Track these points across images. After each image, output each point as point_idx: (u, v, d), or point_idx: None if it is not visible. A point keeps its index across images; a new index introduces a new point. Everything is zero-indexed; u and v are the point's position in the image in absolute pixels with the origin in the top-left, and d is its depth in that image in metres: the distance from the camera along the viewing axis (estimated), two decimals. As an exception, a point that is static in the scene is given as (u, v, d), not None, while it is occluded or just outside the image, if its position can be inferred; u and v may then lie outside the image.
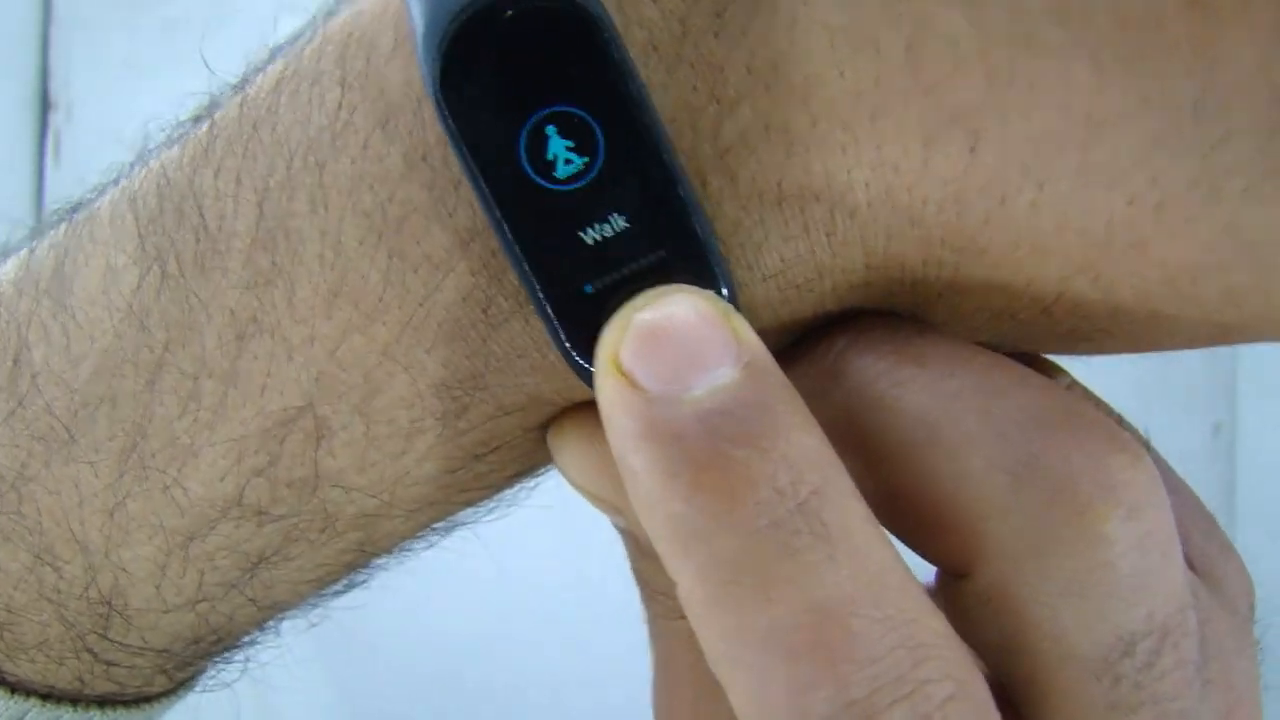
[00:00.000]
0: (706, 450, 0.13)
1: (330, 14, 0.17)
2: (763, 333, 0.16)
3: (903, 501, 0.16)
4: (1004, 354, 0.17)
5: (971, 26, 0.14)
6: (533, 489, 0.20)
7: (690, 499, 0.13)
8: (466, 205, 0.15)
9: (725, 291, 0.15)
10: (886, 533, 0.14)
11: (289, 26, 0.18)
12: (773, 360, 0.14)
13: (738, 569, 0.13)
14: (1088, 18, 0.13)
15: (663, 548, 0.14)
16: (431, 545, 0.20)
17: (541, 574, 0.73)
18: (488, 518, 0.20)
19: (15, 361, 0.18)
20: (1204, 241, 0.14)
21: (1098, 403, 0.17)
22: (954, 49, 0.14)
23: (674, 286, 0.14)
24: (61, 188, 0.93)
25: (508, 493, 0.20)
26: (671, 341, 0.14)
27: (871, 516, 0.14)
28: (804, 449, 0.13)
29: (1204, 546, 0.17)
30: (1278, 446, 0.77)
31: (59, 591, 0.18)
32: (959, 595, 0.16)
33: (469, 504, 0.19)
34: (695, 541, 0.13)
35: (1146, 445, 0.18)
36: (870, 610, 0.13)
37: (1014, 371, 0.16)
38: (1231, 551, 0.18)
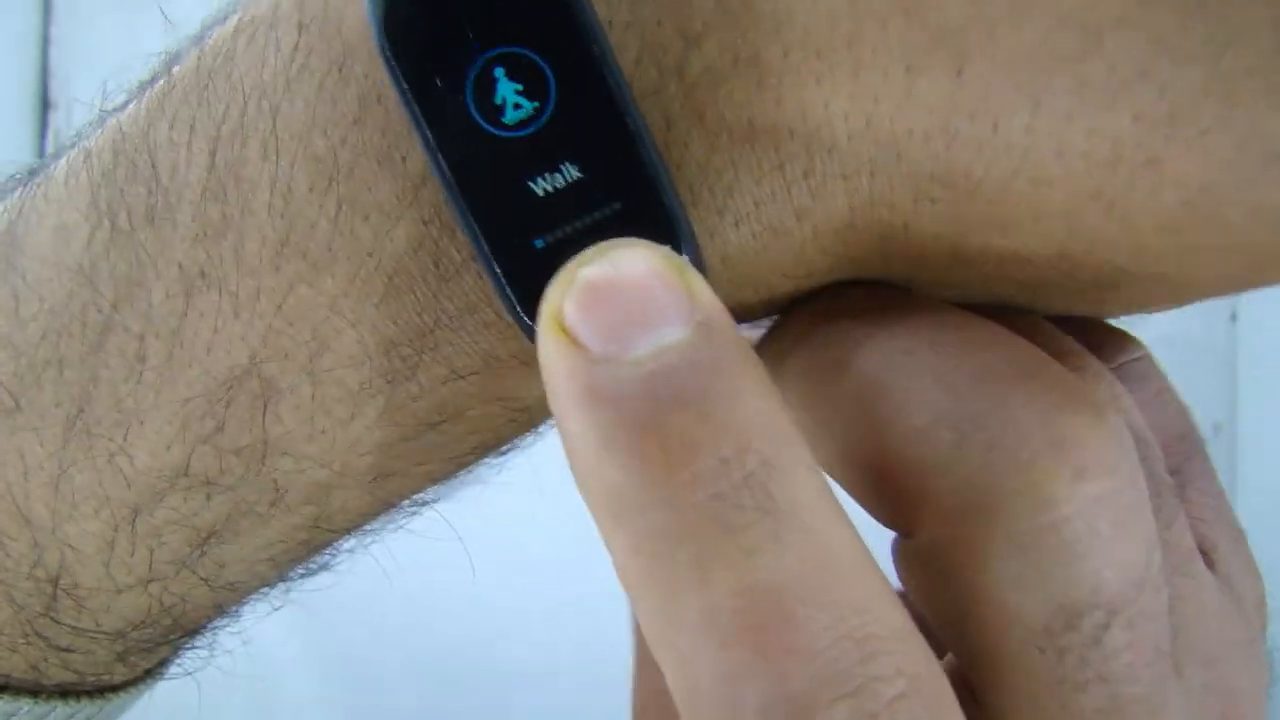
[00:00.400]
0: (646, 415, 0.12)
1: None
2: (739, 285, 0.16)
3: (852, 461, 0.15)
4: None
5: None
6: (503, 467, 0.19)
7: (626, 467, 0.12)
8: (420, 152, 0.15)
9: (687, 247, 0.14)
10: (843, 510, 0.13)
11: None
12: (729, 319, 0.13)
13: (673, 544, 0.12)
14: None
15: (597, 517, 0.13)
16: (399, 527, 0.20)
17: (542, 570, 0.73)
18: (463, 497, 0.19)
19: None
20: (1223, 155, 0.13)
21: (1085, 367, 0.16)
22: None
23: (625, 240, 0.13)
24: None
25: (475, 469, 0.19)
26: (617, 297, 0.13)
27: (827, 490, 0.13)
28: (754, 415, 0.12)
29: (1229, 556, 0.17)
30: (1278, 446, 0.77)
31: (5, 570, 0.18)
32: (906, 556, 0.15)
33: (430, 478, 0.18)
34: (630, 512, 0.12)
35: (1203, 442, 0.17)
36: (816, 596, 0.12)
37: (978, 328, 0.15)
38: (1254, 567, 0.17)
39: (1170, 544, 0.15)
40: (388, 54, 0.14)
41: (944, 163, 0.14)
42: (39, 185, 0.18)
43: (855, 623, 0.12)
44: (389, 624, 0.73)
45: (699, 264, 0.14)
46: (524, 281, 0.14)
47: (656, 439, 0.12)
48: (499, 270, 0.14)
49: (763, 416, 0.12)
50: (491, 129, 0.14)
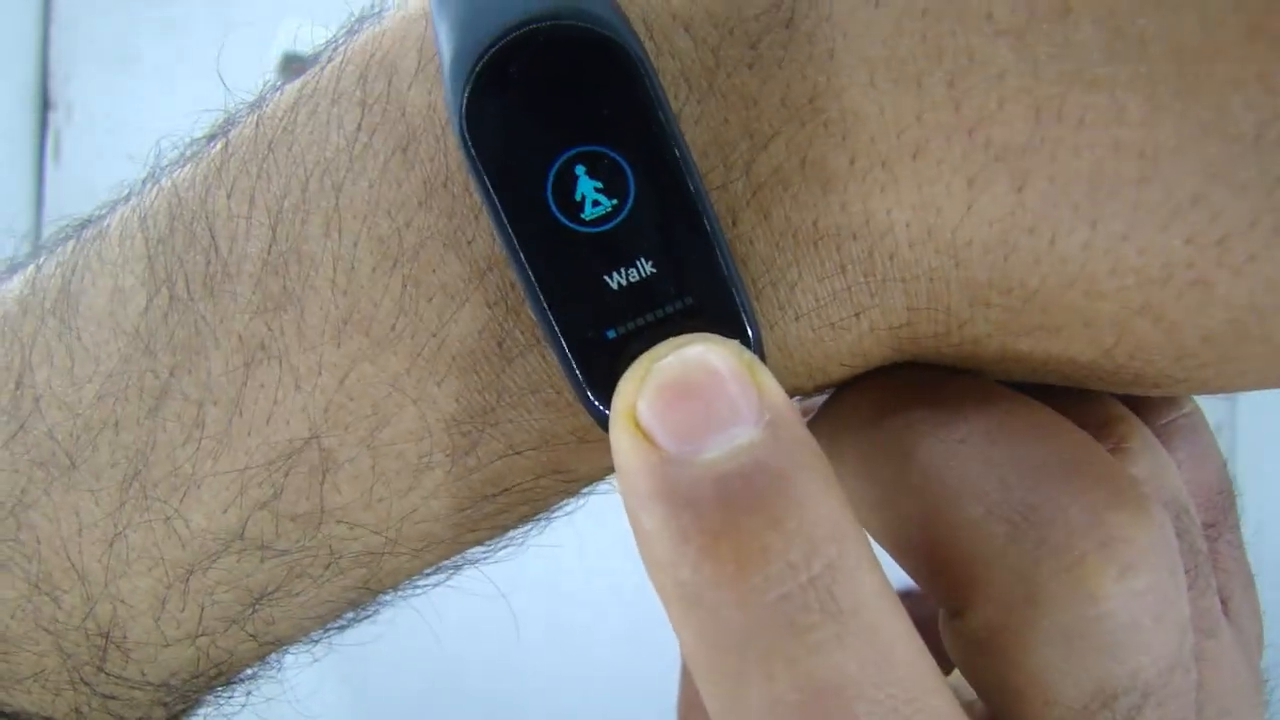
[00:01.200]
0: (719, 518, 0.12)
1: (352, 32, 0.17)
2: (794, 373, 0.16)
3: (905, 541, 0.16)
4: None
5: (1018, 60, 0.13)
6: (543, 530, 0.20)
7: (699, 567, 0.12)
8: (486, 234, 0.15)
9: (755, 344, 0.14)
10: (899, 604, 0.13)
11: (291, 27, 0.18)
12: (797, 417, 0.13)
13: (741, 641, 0.13)
14: (1141, 50, 0.13)
15: (668, 607, 0.13)
16: (439, 584, 0.20)
17: (551, 574, 0.73)
18: (496, 556, 0.20)
19: (18, 383, 0.17)
20: (1269, 279, 0.13)
21: (1137, 447, 0.17)
22: (999, 84, 0.13)
23: (697, 335, 0.14)
24: (61, 187, 0.93)
25: (517, 532, 0.19)
26: (690, 396, 0.13)
27: (887, 587, 0.13)
28: (821, 520, 0.13)
29: (1240, 605, 0.17)
30: (1278, 446, 0.77)
31: (56, 621, 0.18)
32: (956, 632, 0.16)
33: (477, 543, 0.19)
34: (700, 607, 0.13)
35: (1235, 495, 0.18)
36: (873, 693, 0.13)
37: (1030, 417, 0.15)
38: (1259, 614, 0.18)
39: (1201, 610, 0.16)
40: (469, 147, 0.14)
41: (1001, 272, 0.14)
42: (92, 242, 0.18)
43: (906, 712, 0.13)
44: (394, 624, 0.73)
45: (762, 355, 0.15)
46: (596, 370, 0.14)
47: (729, 544, 0.12)
48: (572, 359, 0.14)
49: (828, 520, 0.13)
50: (571, 224, 0.14)
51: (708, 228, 0.14)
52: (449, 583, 0.20)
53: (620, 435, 0.13)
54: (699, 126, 0.14)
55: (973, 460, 0.15)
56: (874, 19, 0.14)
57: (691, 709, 0.22)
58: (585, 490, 0.19)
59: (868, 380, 0.17)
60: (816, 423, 0.17)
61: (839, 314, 0.15)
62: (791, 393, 0.16)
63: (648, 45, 0.14)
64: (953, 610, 0.16)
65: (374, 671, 0.79)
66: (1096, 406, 0.17)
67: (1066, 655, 0.14)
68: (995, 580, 0.15)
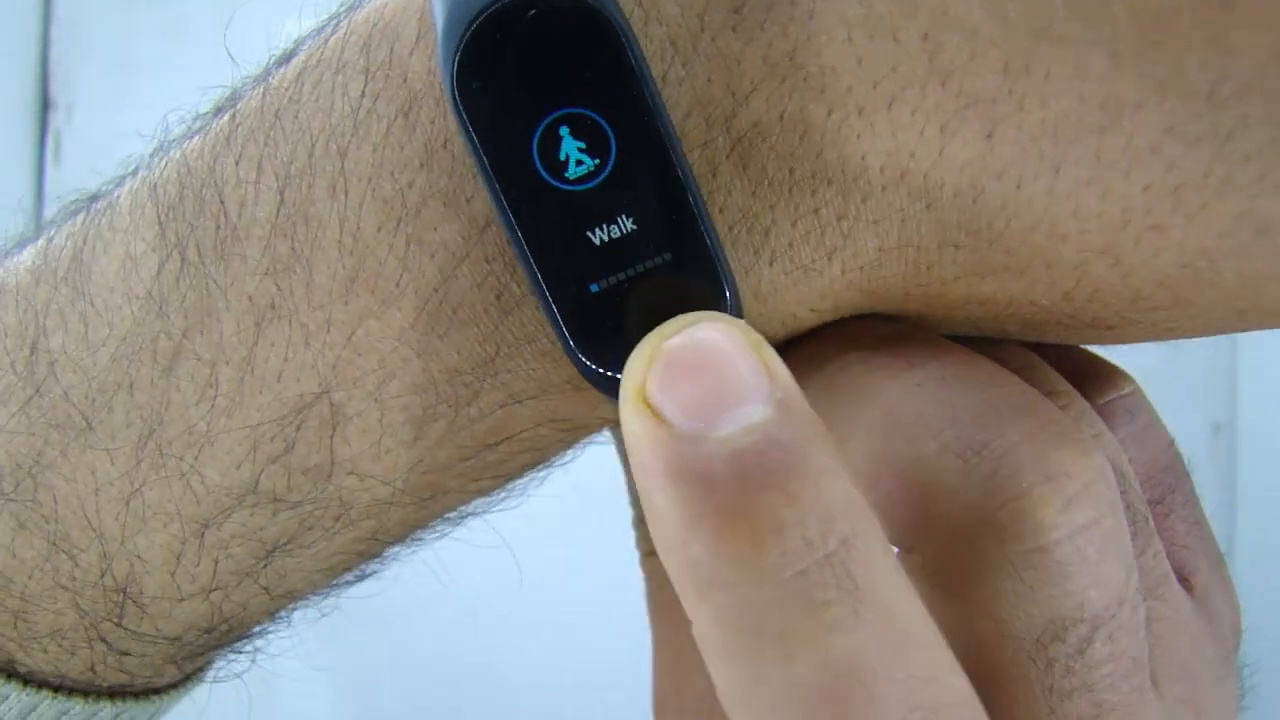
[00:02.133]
0: (734, 495, 0.13)
1: (354, 7, 0.18)
2: (768, 319, 0.17)
3: (864, 477, 0.16)
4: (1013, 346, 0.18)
5: (989, 17, 0.14)
6: (542, 480, 0.20)
7: (714, 545, 0.13)
8: (483, 192, 0.16)
9: (730, 296, 0.15)
10: (909, 582, 0.14)
11: (291, 27, 0.18)
12: (803, 396, 0.14)
13: (758, 621, 0.13)
14: (1104, 9, 0.13)
15: (681, 588, 0.13)
16: (443, 535, 0.20)
17: (548, 571, 0.73)
18: (498, 508, 0.20)
19: (33, 349, 0.18)
20: (1220, 227, 0.14)
21: (1074, 406, 0.17)
22: (972, 39, 0.14)
23: (704, 315, 0.14)
24: (61, 188, 0.93)
25: (518, 482, 0.20)
26: (700, 373, 0.13)
27: (897, 565, 0.13)
28: (835, 496, 0.13)
29: (1208, 580, 0.18)
30: (1278, 446, 0.77)
31: (74, 579, 0.19)
32: (908, 570, 0.16)
33: (480, 493, 0.19)
34: (715, 588, 0.13)
35: (1188, 474, 0.19)
36: (891, 671, 0.13)
37: (980, 366, 0.16)
38: (1231, 592, 0.19)
39: (1145, 569, 0.16)
40: (460, 111, 0.14)
41: (970, 214, 0.15)
42: (103, 214, 0.18)
43: (927, 692, 0.13)
44: (393, 623, 0.73)
45: (739, 311, 0.15)
46: (580, 321, 0.15)
47: (745, 520, 0.12)
48: (557, 311, 0.15)
49: (841, 497, 0.13)
50: (555, 183, 0.15)
51: (685, 186, 0.15)
52: (448, 583, 0.20)
53: (630, 413, 0.13)
54: (683, 87, 0.15)
55: (928, 401, 0.16)
56: None
57: (664, 710, 0.22)
58: (584, 442, 0.19)
59: (831, 328, 0.17)
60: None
61: (811, 256, 0.16)
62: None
63: (636, 12, 0.15)
64: (906, 546, 0.16)
65: (373, 672, 0.79)
66: (1039, 379, 0.17)
67: (1016, 586, 0.15)
68: (947, 513, 0.15)
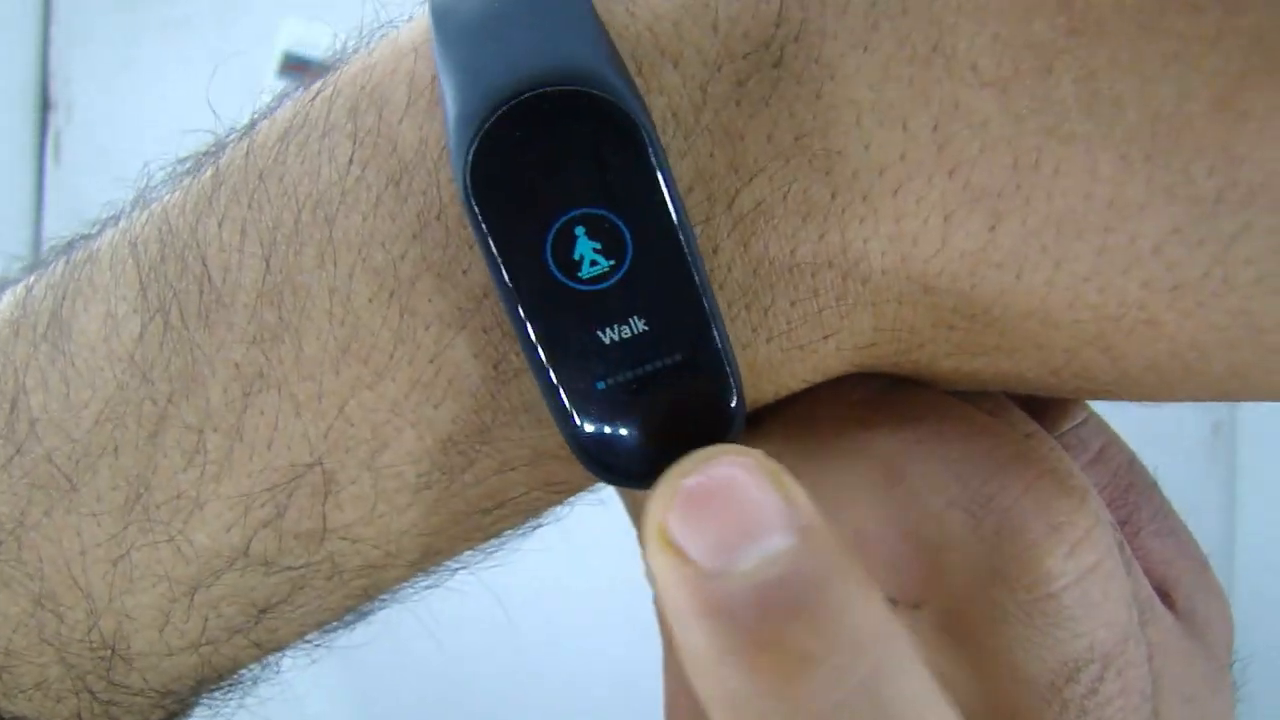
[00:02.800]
0: (762, 629, 0.13)
1: (341, 62, 0.17)
2: (760, 390, 0.16)
3: (865, 537, 0.16)
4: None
5: (1000, 112, 0.14)
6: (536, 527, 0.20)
7: (745, 677, 0.13)
8: (480, 264, 0.15)
9: (737, 402, 0.15)
10: (945, 696, 0.14)
11: (291, 27, 0.18)
12: (825, 521, 0.14)
13: None
14: (1117, 112, 0.13)
15: (718, 716, 0.13)
16: (435, 586, 0.20)
17: (547, 574, 0.73)
18: (491, 559, 0.20)
19: (13, 407, 0.18)
20: (1214, 323, 0.14)
21: (1054, 446, 0.17)
22: (982, 132, 0.14)
23: (721, 447, 0.14)
24: (61, 187, 0.93)
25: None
26: (720, 509, 0.13)
27: (933, 685, 0.13)
28: (864, 622, 0.13)
29: (1191, 590, 0.18)
30: (1278, 446, 0.77)
31: (60, 636, 0.18)
32: (916, 625, 0.16)
33: (470, 549, 0.19)
34: (749, 717, 0.13)
35: (1154, 485, 0.19)
36: None
37: (973, 420, 0.17)
38: (1218, 595, 0.19)
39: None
40: (473, 205, 0.14)
41: (967, 300, 0.15)
42: (83, 265, 0.18)
43: None
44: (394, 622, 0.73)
45: (744, 418, 0.15)
46: (587, 418, 0.15)
47: (775, 651, 0.13)
48: (566, 408, 0.15)
49: (871, 622, 0.13)
50: (568, 283, 0.14)
51: (701, 291, 0.14)
52: (446, 586, 0.20)
53: (654, 553, 0.13)
54: (684, 161, 0.15)
55: (929, 458, 0.16)
56: (863, 63, 0.14)
57: (675, 711, 0.22)
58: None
59: (822, 390, 0.17)
60: (770, 429, 0.18)
61: (809, 336, 0.16)
62: (752, 406, 0.17)
63: (636, 81, 0.15)
64: (915, 601, 0.16)
65: (371, 669, 0.79)
66: (1011, 421, 0.18)
67: (1030, 633, 0.15)
68: (957, 566, 0.16)
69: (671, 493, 0.13)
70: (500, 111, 0.14)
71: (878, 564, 0.16)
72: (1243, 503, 0.77)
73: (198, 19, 0.92)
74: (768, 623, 0.13)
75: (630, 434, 0.15)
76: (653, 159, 0.14)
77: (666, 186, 0.14)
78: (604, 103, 0.14)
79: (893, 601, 0.17)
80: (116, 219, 0.18)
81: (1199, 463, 0.78)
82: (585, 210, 0.14)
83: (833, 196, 0.15)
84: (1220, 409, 0.77)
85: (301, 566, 0.18)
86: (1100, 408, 0.19)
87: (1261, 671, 0.20)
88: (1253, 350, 0.15)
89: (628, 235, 0.14)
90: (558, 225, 0.14)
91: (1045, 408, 0.19)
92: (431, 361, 0.16)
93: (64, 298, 0.18)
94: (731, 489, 0.13)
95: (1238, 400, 0.16)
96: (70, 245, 0.19)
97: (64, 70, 0.95)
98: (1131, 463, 0.19)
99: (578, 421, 0.15)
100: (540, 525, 0.20)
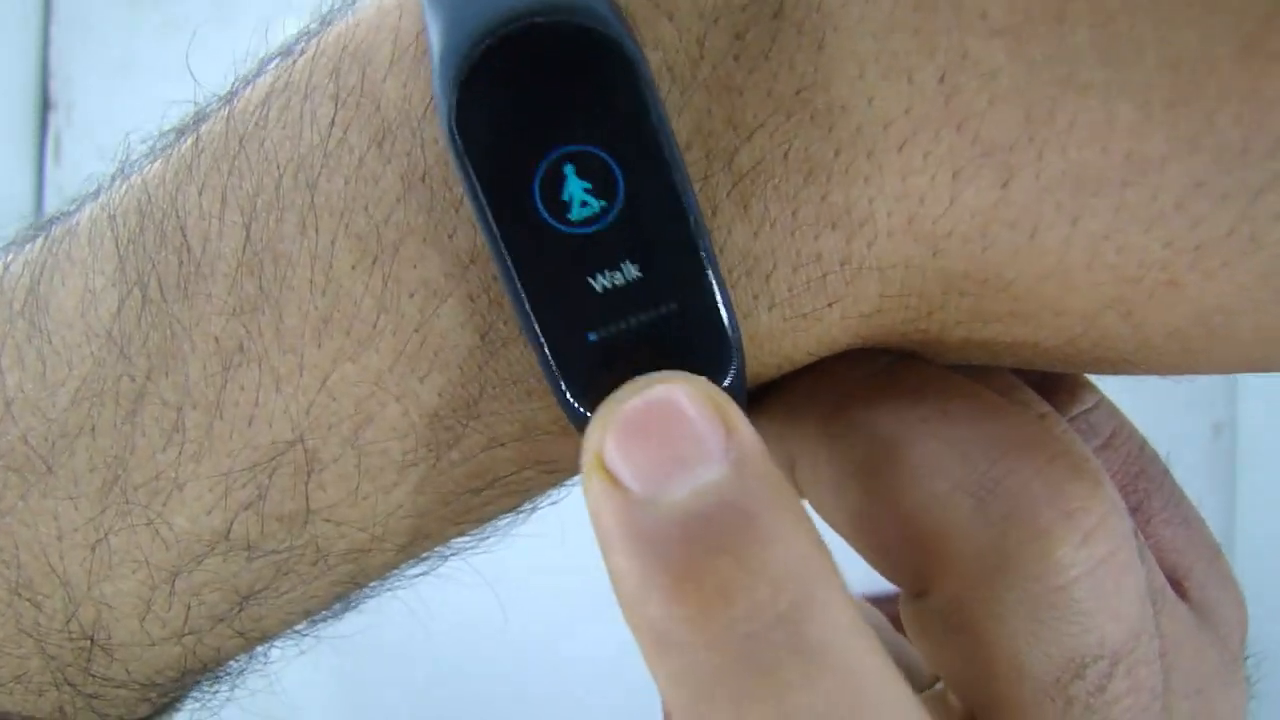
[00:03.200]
0: (683, 559, 0.12)
1: (325, 22, 0.17)
2: (763, 362, 0.16)
3: (867, 520, 0.16)
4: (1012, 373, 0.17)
5: (1012, 60, 0.13)
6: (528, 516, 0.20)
7: (667, 607, 0.13)
8: (467, 226, 0.15)
9: (735, 358, 0.14)
10: (875, 640, 0.13)
11: (291, 27, 0.18)
12: (763, 453, 0.13)
13: (710, 681, 0.13)
14: (1135, 58, 0.13)
15: (642, 647, 0.13)
16: (426, 572, 0.20)
17: (543, 571, 0.73)
18: (482, 546, 0.20)
19: None
20: (1240, 284, 0.14)
21: (1066, 428, 0.17)
22: (992, 82, 0.13)
23: (664, 374, 0.14)
24: (61, 187, 0.93)
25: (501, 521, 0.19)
26: (655, 435, 0.13)
27: (859, 624, 0.13)
28: (789, 557, 0.13)
29: (1204, 580, 0.18)
30: (1278, 446, 0.77)
31: (39, 626, 0.18)
32: (920, 614, 0.16)
33: (462, 534, 0.19)
34: (671, 649, 0.13)
35: (1166, 472, 0.18)
36: None
37: (982, 398, 0.16)
38: (1231, 584, 0.18)
39: None
40: (457, 145, 0.13)
41: (979, 263, 0.14)
42: (61, 240, 0.17)
43: None
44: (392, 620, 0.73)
45: (743, 374, 0.15)
46: (577, 372, 0.14)
47: (694, 583, 0.12)
48: (553, 361, 0.14)
49: (795, 557, 0.13)
50: (557, 225, 0.14)
51: (696, 235, 0.14)
52: (436, 574, 0.20)
53: (588, 478, 0.13)
54: (682, 118, 0.14)
55: (934, 438, 0.15)
56: (866, 12, 0.13)
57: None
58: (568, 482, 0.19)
59: (823, 366, 0.17)
60: (773, 408, 0.17)
61: (812, 304, 0.15)
62: (754, 381, 0.16)
63: (629, 22, 0.14)
64: (917, 590, 0.16)
65: (364, 661, 0.79)
66: (1022, 402, 0.17)
67: (1035, 626, 0.15)
68: (962, 553, 0.15)
69: (610, 416, 0.13)
70: (486, 44, 0.13)
71: (879, 549, 0.16)
72: (1243, 503, 0.77)
73: (198, 19, 0.92)
74: (691, 554, 0.12)
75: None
76: (645, 94, 0.13)
77: (659, 123, 0.13)
78: (595, 34, 0.13)
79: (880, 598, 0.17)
80: (96, 193, 0.18)
81: (1199, 463, 0.78)
82: (575, 148, 0.14)
83: (835, 154, 0.14)
84: (1220, 409, 0.77)
85: (284, 550, 0.17)
86: (1102, 402, 0.19)
87: (1263, 672, 0.20)
88: None
89: (619, 174, 0.14)
90: (546, 164, 0.14)
91: (1055, 391, 0.18)
92: (416, 331, 0.15)
93: (41, 273, 0.17)
94: (669, 415, 0.13)
95: (1266, 370, 0.15)
96: (49, 221, 0.18)
97: (64, 70, 0.95)
98: (1143, 448, 0.18)
99: (565, 377, 0.14)
100: (536, 509, 0.19)
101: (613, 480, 0.13)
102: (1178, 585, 0.17)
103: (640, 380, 0.13)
